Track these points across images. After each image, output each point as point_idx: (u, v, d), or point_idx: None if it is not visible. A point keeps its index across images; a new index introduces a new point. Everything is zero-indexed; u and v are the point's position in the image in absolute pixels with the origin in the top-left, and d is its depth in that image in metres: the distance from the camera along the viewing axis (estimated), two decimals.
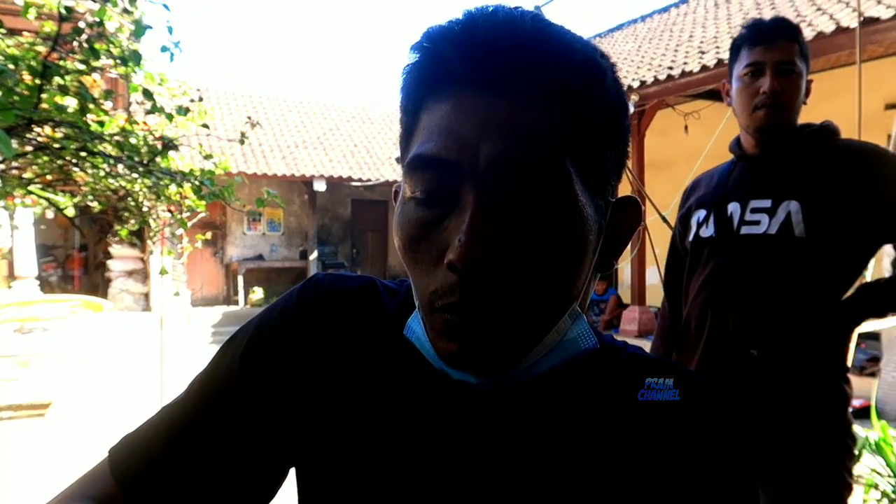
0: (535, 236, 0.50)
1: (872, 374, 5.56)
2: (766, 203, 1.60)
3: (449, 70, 0.51)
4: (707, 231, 1.72)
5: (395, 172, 14.34)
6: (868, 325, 2.75)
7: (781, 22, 1.64)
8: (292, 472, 0.66)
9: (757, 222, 1.62)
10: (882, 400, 5.28)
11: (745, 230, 1.63)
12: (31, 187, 2.74)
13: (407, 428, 0.60)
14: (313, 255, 14.08)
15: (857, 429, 2.85)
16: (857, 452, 1.65)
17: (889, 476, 2.90)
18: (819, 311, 1.57)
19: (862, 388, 5.37)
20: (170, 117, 2.62)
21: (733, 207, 1.66)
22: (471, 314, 0.49)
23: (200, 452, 0.60)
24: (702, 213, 1.76)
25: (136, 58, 2.56)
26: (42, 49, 2.36)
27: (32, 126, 2.40)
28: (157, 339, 4.68)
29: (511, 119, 0.49)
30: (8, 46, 2.39)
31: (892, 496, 2.81)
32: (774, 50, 1.62)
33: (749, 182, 1.67)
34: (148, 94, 2.58)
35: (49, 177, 2.85)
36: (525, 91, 0.50)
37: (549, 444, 0.58)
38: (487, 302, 0.49)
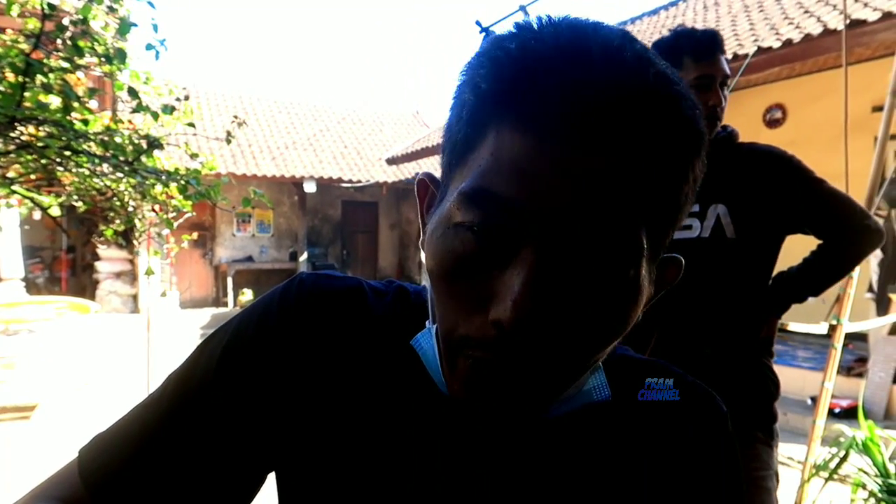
0: (589, 309, 0.46)
1: (860, 375, 5.59)
2: (695, 208, 1.70)
3: (545, 108, 0.43)
4: None
5: (385, 174, 14.32)
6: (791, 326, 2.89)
7: (717, 34, 1.74)
8: (271, 476, 0.65)
9: (689, 226, 1.71)
10: (869, 400, 5.32)
11: (678, 235, 1.71)
12: (14, 187, 2.71)
13: (397, 440, 0.58)
14: (303, 257, 14.04)
15: (845, 429, 2.87)
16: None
17: (876, 475, 2.91)
18: (750, 304, 1.72)
19: (850, 389, 5.40)
20: (155, 116, 2.60)
21: None
22: (502, 374, 0.47)
23: (172, 456, 0.58)
24: None
25: (121, 56, 2.54)
26: (25, 46, 2.33)
27: (16, 124, 2.37)
28: (144, 340, 4.64)
29: (601, 183, 0.43)
30: None
31: (879, 495, 2.82)
32: (717, 64, 1.70)
33: None
34: (133, 92, 2.55)
35: (33, 176, 2.81)
36: (625, 155, 0.43)
37: (548, 473, 0.57)
38: (523, 367, 0.46)
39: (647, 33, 9.97)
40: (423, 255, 0.53)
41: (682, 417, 0.60)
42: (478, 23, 2.83)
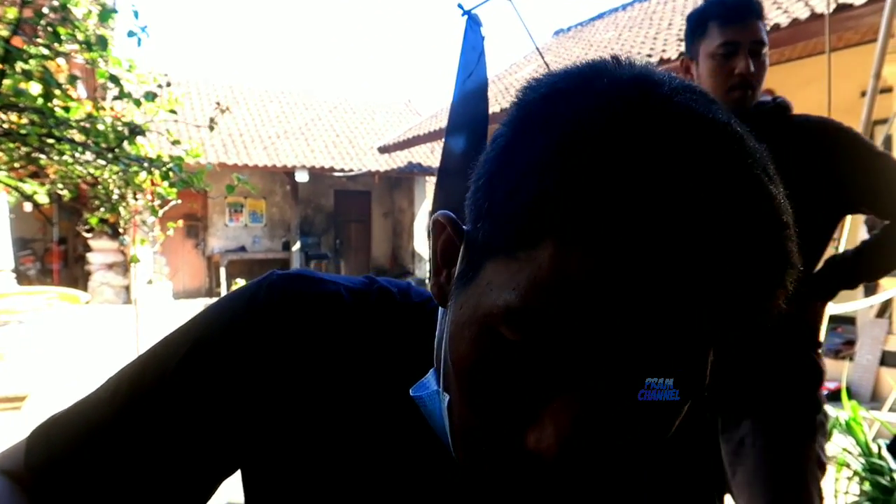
0: (635, 429, 0.42)
1: (848, 358, 5.64)
2: None
3: (638, 250, 0.36)
4: None
5: (377, 162, 14.28)
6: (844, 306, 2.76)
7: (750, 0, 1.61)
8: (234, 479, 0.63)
9: None
10: (856, 383, 5.36)
11: None
12: None
13: (377, 465, 0.55)
14: (296, 247, 14.02)
15: (829, 410, 2.89)
16: (827, 431, 1.68)
17: (859, 455, 2.95)
18: (792, 290, 1.60)
19: (836, 371, 5.45)
20: (137, 103, 2.58)
21: None
22: (527, 487, 0.44)
23: (117, 453, 0.56)
24: None
25: (102, 43, 2.52)
26: (4, 33, 2.31)
27: None
28: (133, 328, 4.63)
29: (682, 336, 0.38)
30: None
31: (863, 474, 2.86)
32: (748, 29, 1.58)
33: None
34: (115, 79, 2.54)
35: (17, 165, 2.80)
36: (715, 296, 0.37)
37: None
38: (553, 487, 0.44)
39: (638, 19, 9.96)
40: (415, 244, 0.49)
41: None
42: (460, 5, 2.80)
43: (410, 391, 0.51)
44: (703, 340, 0.39)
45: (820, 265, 1.64)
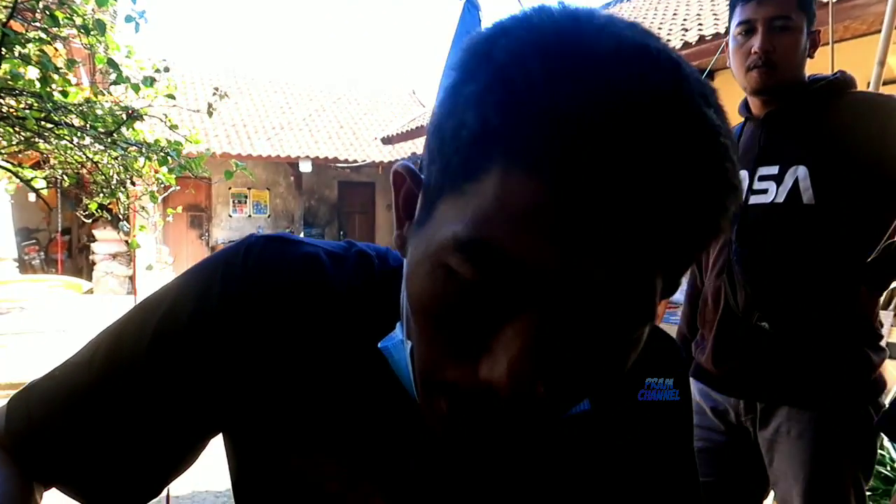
0: (590, 359, 0.42)
1: None
2: (774, 170, 1.53)
3: (568, 162, 0.36)
4: None
5: (380, 153, 14.27)
6: None
7: None
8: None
9: (764, 191, 1.54)
10: None
11: (752, 199, 1.57)
12: None
13: (356, 436, 0.55)
14: (281, 233, 14.08)
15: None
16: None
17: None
18: (834, 278, 1.50)
19: None
20: (136, 88, 2.58)
21: (741, 175, 1.62)
22: (486, 423, 0.43)
23: (93, 422, 0.57)
24: None
25: (100, 27, 2.51)
26: (1, 16, 2.30)
27: None
28: None
29: (625, 252, 0.38)
30: None
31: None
32: (766, 5, 1.52)
33: (757, 148, 1.60)
34: (113, 63, 2.53)
35: (15, 149, 2.80)
36: (653, 218, 0.37)
37: (520, 477, 0.56)
38: (510, 419, 0.43)
39: (643, 9, 9.90)
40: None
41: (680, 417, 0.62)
42: None
43: (378, 344, 0.51)
44: (646, 261, 0.39)
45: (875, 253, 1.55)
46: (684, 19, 7.54)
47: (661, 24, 8.04)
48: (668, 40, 6.64)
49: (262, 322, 0.55)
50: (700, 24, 6.61)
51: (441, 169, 0.44)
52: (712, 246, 1.63)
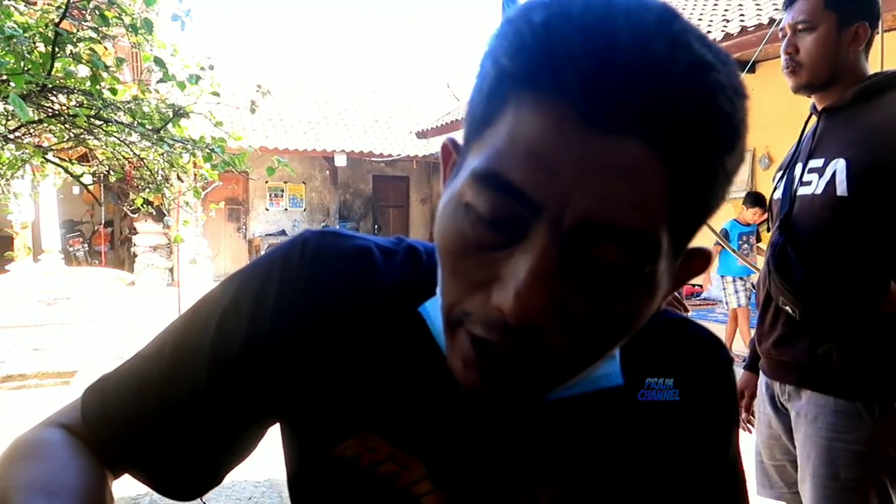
0: (600, 304, 0.44)
1: None
2: (820, 163, 1.57)
3: (565, 81, 0.40)
4: (777, 193, 1.73)
5: (415, 147, 14.31)
6: None
7: None
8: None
9: (809, 183, 1.59)
10: None
11: (800, 191, 1.62)
12: (48, 156, 2.79)
13: (404, 406, 0.58)
14: (335, 228, 14.21)
15: None
16: None
17: None
18: (861, 270, 1.52)
19: None
20: (181, 86, 2.64)
21: (799, 168, 1.65)
22: (501, 357, 0.45)
23: (164, 409, 0.60)
24: (779, 175, 1.77)
25: (147, 26, 2.57)
26: (54, 17, 2.37)
27: (47, 94, 2.43)
28: (176, 308, 4.76)
29: (621, 170, 0.40)
30: (21, 14, 2.41)
31: None
32: (791, 10, 1.60)
33: (811, 141, 1.65)
34: (160, 62, 2.59)
35: (65, 145, 2.89)
36: (649, 139, 0.40)
37: (570, 435, 0.58)
38: (526, 356, 0.44)
39: (681, 0, 9.72)
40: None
41: (692, 366, 0.62)
42: None
43: (419, 309, 0.55)
44: (646, 187, 0.41)
45: None
46: (725, 10, 7.39)
47: (701, 14, 7.90)
48: (709, 31, 6.52)
49: (316, 309, 0.58)
50: (742, 15, 6.47)
51: (469, 125, 0.48)
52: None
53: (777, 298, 1.64)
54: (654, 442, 0.60)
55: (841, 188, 1.50)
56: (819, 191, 1.55)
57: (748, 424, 1.89)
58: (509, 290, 0.42)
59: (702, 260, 0.52)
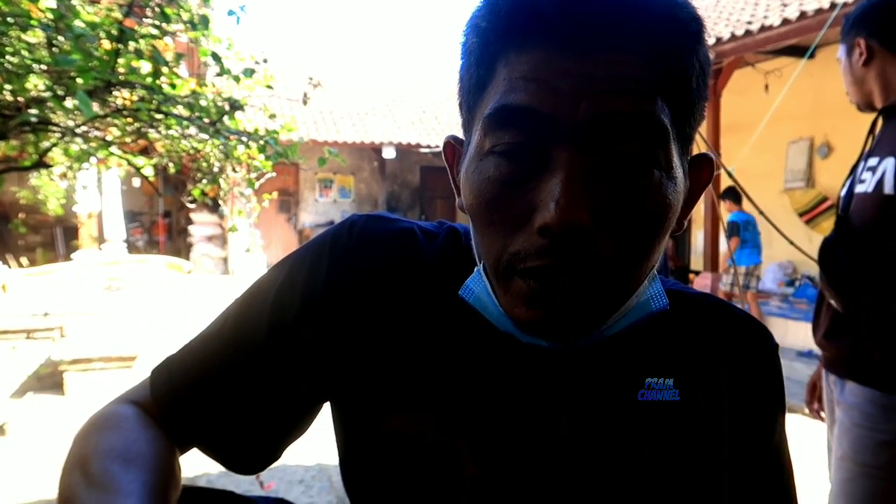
0: (631, 200, 0.48)
1: None
2: (875, 161, 1.58)
3: (540, 19, 0.47)
4: (843, 190, 1.74)
5: None
6: None
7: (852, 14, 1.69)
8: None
9: (864, 181, 1.60)
10: None
11: (857, 189, 1.63)
12: (112, 149, 2.91)
13: (450, 380, 0.60)
14: (381, 212, 14.31)
15: None
16: None
17: None
18: None
19: None
20: (237, 79, 2.71)
21: (861, 166, 1.66)
22: (560, 280, 0.47)
23: (229, 385, 0.63)
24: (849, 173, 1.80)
25: (204, 22, 2.66)
26: (118, 15, 2.47)
27: (111, 89, 2.54)
28: (231, 296, 4.88)
29: (611, 72, 0.46)
30: (88, 13, 2.52)
31: None
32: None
33: (873, 140, 1.68)
34: (216, 57, 2.67)
35: (129, 140, 3.01)
36: (626, 45, 0.47)
37: (615, 403, 0.59)
38: (580, 267, 0.47)
39: None
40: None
41: (735, 351, 0.62)
42: None
43: (459, 292, 0.57)
44: (639, 83, 0.47)
45: None
46: None
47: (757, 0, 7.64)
48: (766, 17, 6.32)
49: (364, 287, 0.62)
50: (801, 0, 6.24)
51: (466, 105, 0.55)
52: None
53: (825, 293, 1.67)
54: (691, 427, 0.61)
55: (889, 186, 1.51)
56: (870, 189, 1.56)
57: (820, 413, 1.89)
58: (549, 205, 0.45)
59: (707, 166, 0.57)
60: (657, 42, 0.48)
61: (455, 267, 0.61)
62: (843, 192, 1.71)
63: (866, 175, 1.59)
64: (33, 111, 2.47)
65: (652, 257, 0.51)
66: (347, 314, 0.62)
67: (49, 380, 5.06)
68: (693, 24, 0.50)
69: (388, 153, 13.51)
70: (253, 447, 0.67)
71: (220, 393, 0.64)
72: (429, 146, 13.91)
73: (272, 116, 2.87)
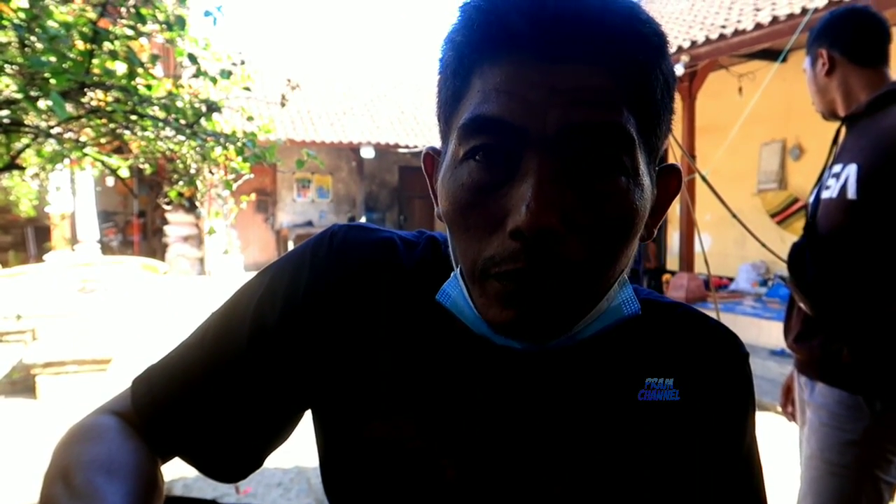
0: (599, 205, 0.49)
1: None
2: (839, 168, 1.62)
3: (512, 34, 0.49)
4: (811, 197, 1.78)
5: None
6: None
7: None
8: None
9: (829, 187, 1.64)
10: None
11: (823, 195, 1.67)
12: (86, 150, 2.87)
13: (429, 386, 0.61)
14: (361, 222, 14.28)
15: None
16: None
17: None
18: (867, 272, 1.56)
19: None
20: (214, 80, 2.69)
21: (826, 174, 1.71)
22: (532, 282, 0.49)
23: (210, 394, 0.64)
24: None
25: (180, 23, 2.63)
26: (93, 15, 2.44)
27: (85, 90, 2.51)
28: (208, 298, 4.86)
29: (578, 84, 0.49)
30: (61, 13, 2.49)
31: None
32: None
33: (838, 147, 1.72)
34: (193, 58, 2.65)
35: (103, 140, 2.97)
36: (592, 58, 0.49)
37: (588, 407, 0.61)
38: (550, 270, 0.49)
39: None
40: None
41: (706, 359, 0.64)
42: None
43: (436, 296, 0.58)
44: (607, 93, 0.49)
45: None
46: None
47: (731, 3, 7.76)
48: (740, 21, 6.42)
49: (344, 295, 0.63)
50: (773, 4, 6.35)
51: (442, 110, 0.57)
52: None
53: (794, 296, 1.72)
54: (659, 433, 0.62)
55: (851, 192, 1.55)
56: (835, 195, 1.60)
57: (794, 416, 1.92)
58: (521, 209, 0.47)
59: (675, 175, 0.59)
60: (622, 55, 0.50)
61: (434, 274, 0.62)
62: (811, 199, 1.76)
63: (831, 181, 1.63)
64: (5, 112, 2.43)
65: (621, 261, 0.53)
66: (327, 322, 0.63)
67: (21, 383, 4.97)
68: (655, 39, 0.52)
69: (367, 153, 13.48)
70: (235, 456, 0.67)
71: (202, 402, 0.64)
72: (407, 146, 13.91)
73: (250, 119, 2.85)
